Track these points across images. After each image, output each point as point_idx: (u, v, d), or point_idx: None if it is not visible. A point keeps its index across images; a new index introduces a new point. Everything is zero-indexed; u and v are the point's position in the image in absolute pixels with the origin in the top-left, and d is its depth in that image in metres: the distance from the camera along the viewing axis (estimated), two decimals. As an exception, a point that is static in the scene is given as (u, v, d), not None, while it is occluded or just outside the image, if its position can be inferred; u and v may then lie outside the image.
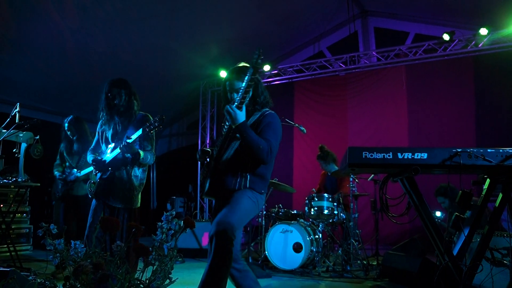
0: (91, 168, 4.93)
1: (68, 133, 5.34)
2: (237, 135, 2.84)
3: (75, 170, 5.17)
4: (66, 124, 5.34)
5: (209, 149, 3.12)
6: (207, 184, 2.99)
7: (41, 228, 2.25)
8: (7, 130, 5.11)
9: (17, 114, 5.20)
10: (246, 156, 2.84)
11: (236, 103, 2.76)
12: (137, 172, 3.85)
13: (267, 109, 3.02)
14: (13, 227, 6.60)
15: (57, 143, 5.53)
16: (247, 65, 2.93)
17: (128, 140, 3.56)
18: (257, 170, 2.90)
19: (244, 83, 2.72)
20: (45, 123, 6.94)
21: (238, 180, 2.87)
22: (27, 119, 5.22)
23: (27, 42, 7.09)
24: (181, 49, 8.54)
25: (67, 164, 5.32)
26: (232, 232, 2.61)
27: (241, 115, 2.74)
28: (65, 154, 5.36)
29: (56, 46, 7.37)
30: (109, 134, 3.88)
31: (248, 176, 2.87)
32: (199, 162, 10.48)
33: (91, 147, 4.07)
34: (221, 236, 2.58)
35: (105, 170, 3.78)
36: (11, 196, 6.68)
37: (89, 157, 3.97)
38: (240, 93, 2.75)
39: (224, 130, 2.99)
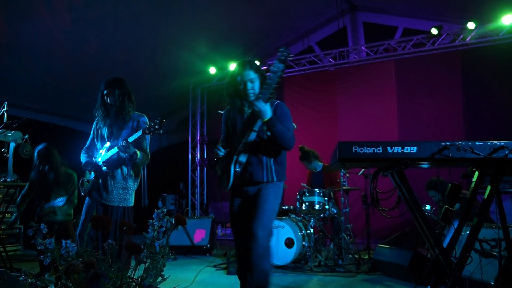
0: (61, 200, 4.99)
1: (37, 162, 5.09)
2: (254, 128, 3.00)
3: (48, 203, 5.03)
4: (35, 154, 5.10)
5: (220, 147, 3.17)
6: (231, 178, 3.04)
7: (31, 228, 2.23)
8: (-5, 130, 5.07)
9: (5, 114, 5.15)
10: (267, 146, 3.04)
11: (261, 98, 2.90)
12: (132, 171, 3.82)
13: (274, 100, 3.12)
14: (2, 227, 6.55)
15: (46, 142, 5.44)
16: (251, 58, 3.19)
17: (128, 139, 3.55)
18: (278, 158, 3.11)
19: (272, 80, 2.89)
20: (33, 122, 6.88)
21: (265, 172, 3.05)
22: (15, 118, 5.16)
23: (15, 41, 7.03)
24: (170, 46, 8.50)
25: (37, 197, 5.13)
26: (268, 250, 2.95)
27: (269, 110, 2.90)
28: (36, 185, 5.16)
29: (44, 44, 7.30)
30: (104, 133, 3.85)
31: (273, 167, 3.07)
32: (190, 159, 10.49)
33: (86, 145, 4.00)
34: (260, 270, 2.89)
35: (99, 170, 3.77)
36: (0, 196, 6.62)
37: (83, 158, 3.93)
38: (268, 89, 2.90)
39: (240, 125, 3.14)
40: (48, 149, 5.15)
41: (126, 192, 3.77)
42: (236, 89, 3.13)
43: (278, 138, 2.94)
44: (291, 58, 2.79)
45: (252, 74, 3.04)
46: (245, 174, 3.05)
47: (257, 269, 2.88)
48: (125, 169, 3.78)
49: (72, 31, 7.23)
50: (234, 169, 3.02)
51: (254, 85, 3.05)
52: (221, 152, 3.11)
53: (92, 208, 3.75)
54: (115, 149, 3.62)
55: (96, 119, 3.92)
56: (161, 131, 3.49)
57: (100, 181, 3.74)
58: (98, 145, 3.89)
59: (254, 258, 2.89)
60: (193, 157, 10.67)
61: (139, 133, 3.56)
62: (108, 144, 3.78)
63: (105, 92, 3.76)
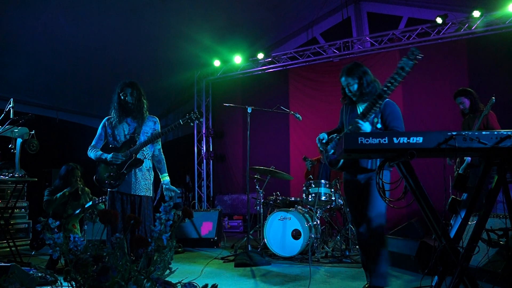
0: None
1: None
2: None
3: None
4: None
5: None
6: (341, 162, 3.47)
7: (39, 223, 2.24)
8: (2, 126, 5.10)
9: (11, 110, 5.18)
10: None
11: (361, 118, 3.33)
12: (151, 165, 4.23)
13: (386, 98, 3.38)
14: (11, 222, 6.61)
15: (53, 138, 5.49)
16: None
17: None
18: None
19: (399, 75, 3.25)
20: (39, 118, 6.91)
21: (370, 160, 3.40)
22: (21, 114, 5.20)
23: (19, 38, 7.05)
24: (174, 39, 8.49)
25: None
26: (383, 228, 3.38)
27: (368, 127, 3.29)
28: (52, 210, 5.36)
29: (47, 40, 7.31)
30: (125, 129, 4.13)
31: None
32: (195, 152, 10.50)
33: (92, 143, 4.22)
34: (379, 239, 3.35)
35: (133, 162, 4.05)
36: (9, 191, 6.68)
37: (101, 153, 4.11)
38: (393, 84, 3.34)
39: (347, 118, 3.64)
40: (69, 170, 5.48)
41: (150, 183, 4.15)
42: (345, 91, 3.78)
43: None
44: (420, 57, 2.91)
45: (347, 80, 3.63)
46: (353, 160, 3.45)
47: None
48: (149, 163, 4.17)
49: (76, 27, 7.23)
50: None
51: (353, 87, 3.64)
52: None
53: (120, 203, 4.01)
54: (147, 143, 4.05)
55: (111, 119, 4.18)
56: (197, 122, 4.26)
57: (127, 173, 4.02)
58: (115, 143, 4.13)
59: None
60: (199, 150, 10.69)
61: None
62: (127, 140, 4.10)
63: (122, 92, 4.07)
